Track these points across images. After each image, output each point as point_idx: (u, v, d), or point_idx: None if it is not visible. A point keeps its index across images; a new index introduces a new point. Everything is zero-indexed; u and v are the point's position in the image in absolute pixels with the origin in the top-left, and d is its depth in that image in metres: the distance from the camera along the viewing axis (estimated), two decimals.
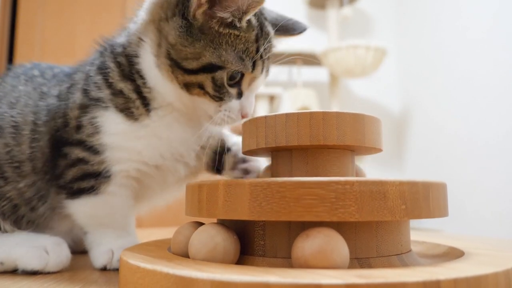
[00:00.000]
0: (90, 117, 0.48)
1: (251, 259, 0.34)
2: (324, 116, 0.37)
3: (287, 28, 0.53)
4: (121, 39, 0.52)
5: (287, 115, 0.38)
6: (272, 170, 0.42)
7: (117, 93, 0.49)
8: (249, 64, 0.46)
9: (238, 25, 0.45)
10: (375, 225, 0.33)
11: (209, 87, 0.46)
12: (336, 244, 0.29)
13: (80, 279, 0.43)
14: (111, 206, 0.50)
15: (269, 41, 0.49)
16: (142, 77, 0.49)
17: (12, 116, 0.52)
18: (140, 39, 0.49)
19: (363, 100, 2.42)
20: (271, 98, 2.00)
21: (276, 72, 2.34)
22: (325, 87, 2.28)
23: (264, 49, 0.48)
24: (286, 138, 0.37)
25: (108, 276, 0.44)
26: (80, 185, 0.49)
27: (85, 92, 0.50)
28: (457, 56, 1.90)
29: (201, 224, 0.38)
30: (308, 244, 0.29)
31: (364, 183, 0.30)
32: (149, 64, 0.48)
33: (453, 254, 0.39)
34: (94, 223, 0.51)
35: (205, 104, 0.47)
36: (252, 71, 0.47)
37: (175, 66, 0.46)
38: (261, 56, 0.48)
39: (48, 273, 0.45)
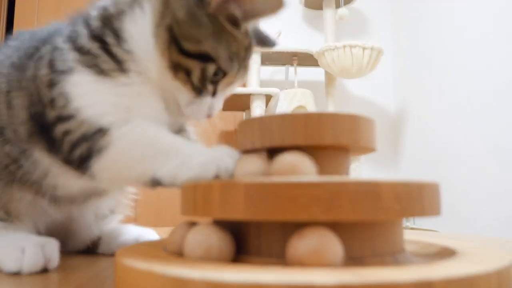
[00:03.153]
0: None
1: (246, 258, 0.34)
2: (320, 117, 0.37)
3: (264, 41, 0.55)
4: (104, 2, 0.48)
5: (283, 116, 0.38)
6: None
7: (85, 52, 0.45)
8: (235, 67, 0.48)
9: (238, 28, 0.46)
10: (369, 224, 0.33)
11: (195, 76, 0.46)
12: (331, 244, 0.29)
13: (73, 280, 0.43)
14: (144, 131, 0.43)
15: (252, 52, 0.50)
16: (118, 36, 0.45)
17: None
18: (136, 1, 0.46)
19: (359, 99, 2.43)
20: (268, 98, 2.00)
21: (273, 72, 2.34)
22: (321, 87, 2.28)
23: (248, 58, 0.50)
24: (281, 138, 0.38)
25: (103, 277, 0.44)
26: (76, 153, 0.43)
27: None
28: (453, 56, 1.91)
29: (196, 223, 0.38)
30: (303, 244, 0.29)
31: (359, 184, 0.30)
32: (141, 29, 0.45)
33: (446, 254, 0.39)
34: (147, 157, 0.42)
35: (181, 93, 0.47)
36: (235, 74, 0.48)
37: (173, 42, 0.44)
38: (245, 65, 0.49)
39: (30, 274, 0.43)
